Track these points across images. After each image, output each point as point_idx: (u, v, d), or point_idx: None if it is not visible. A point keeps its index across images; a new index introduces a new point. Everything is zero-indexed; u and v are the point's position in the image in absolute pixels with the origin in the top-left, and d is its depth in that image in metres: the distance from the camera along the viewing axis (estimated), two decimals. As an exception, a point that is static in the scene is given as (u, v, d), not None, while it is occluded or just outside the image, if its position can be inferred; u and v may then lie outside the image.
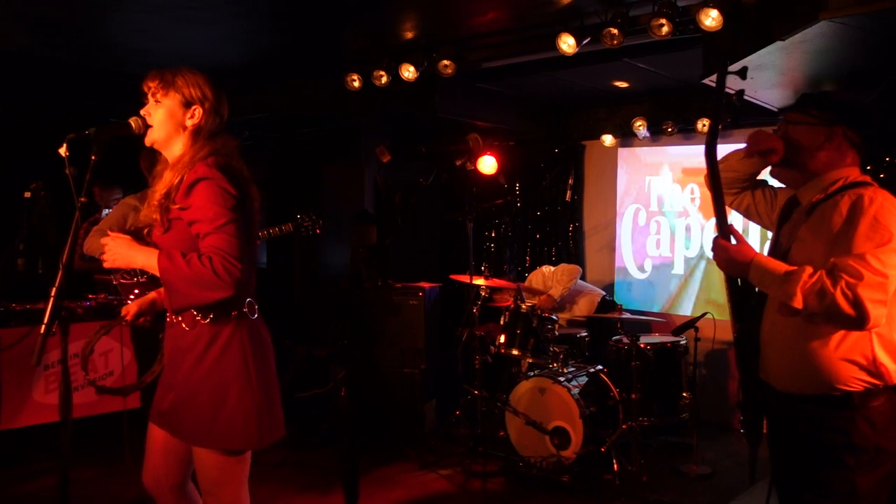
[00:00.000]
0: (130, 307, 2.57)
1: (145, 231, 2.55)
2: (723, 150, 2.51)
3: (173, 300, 2.31)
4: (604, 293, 6.28)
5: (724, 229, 2.31)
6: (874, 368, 2.15)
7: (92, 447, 5.10)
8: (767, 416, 2.39)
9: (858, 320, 2.05)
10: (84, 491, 4.39)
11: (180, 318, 2.42)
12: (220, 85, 2.50)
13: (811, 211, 2.30)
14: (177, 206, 2.34)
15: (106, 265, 2.47)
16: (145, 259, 2.37)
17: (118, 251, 2.42)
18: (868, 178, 2.31)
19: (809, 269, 2.10)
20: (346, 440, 2.55)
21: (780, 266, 2.18)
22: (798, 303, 2.09)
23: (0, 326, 3.81)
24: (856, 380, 2.15)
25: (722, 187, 2.36)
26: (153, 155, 2.62)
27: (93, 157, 2.23)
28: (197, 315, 2.38)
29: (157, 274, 2.34)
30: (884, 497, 2.18)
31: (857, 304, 2.03)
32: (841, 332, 2.17)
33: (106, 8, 4.44)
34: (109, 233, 2.48)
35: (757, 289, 2.32)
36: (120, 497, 4.38)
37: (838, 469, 2.15)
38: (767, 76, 4.37)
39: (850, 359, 2.16)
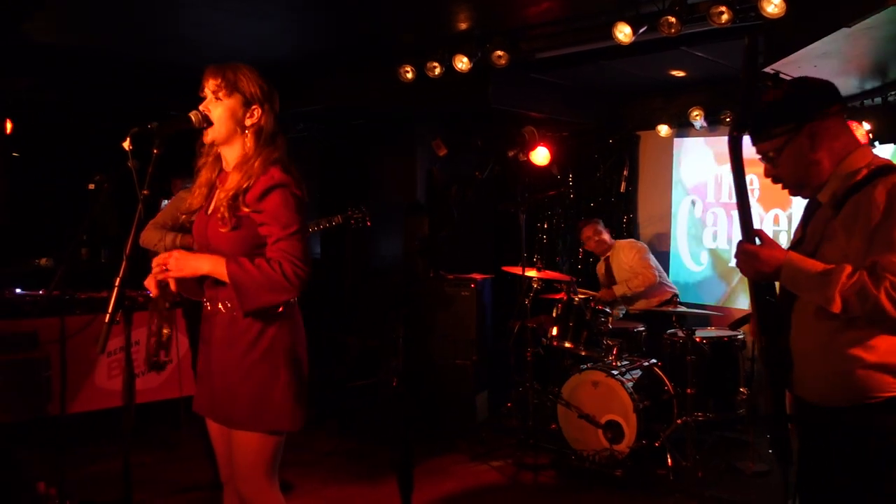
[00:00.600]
0: (149, 282, 2.48)
1: (183, 217, 2.59)
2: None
3: (245, 303, 2.36)
4: (675, 291, 6.10)
5: (749, 232, 2.13)
6: None
7: (152, 432, 5.25)
8: (799, 431, 2.20)
9: None
10: (144, 475, 4.51)
11: (230, 306, 2.45)
12: (273, 78, 2.53)
13: (840, 204, 2.08)
14: (249, 209, 2.39)
15: (173, 275, 2.41)
16: (212, 266, 2.39)
17: (182, 263, 2.41)
18: (892, 163, 2.11)
19: (848, 269, 1.94)
20: (400, 431, 2.55)
21: (816, 266, 2.01)
22: (836, 307, 1.94)
23: (66, 314, 3.94)
24: None
25: (746, 186, 2.17)
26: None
27: (154, 151, 2.28)
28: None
29: (224, 279, 2.36)
30: None
31: None
32: (878, 337, 2.00)
33: (166, 4, 4.53)
34: (162, 254, 2.44)
35: (779, 294, 2.17)
36: (178, 482, 4.49)
37: (880, 480, 2.00)
38: (832, 64, 4.24)
39: (890, 363, 1.99)
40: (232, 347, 2.45)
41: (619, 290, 5.90)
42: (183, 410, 5.35)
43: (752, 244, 2.13)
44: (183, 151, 2.59)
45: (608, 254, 6.20)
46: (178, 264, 2.40)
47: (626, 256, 6.08)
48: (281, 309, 2.45)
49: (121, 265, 2.17)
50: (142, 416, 5.14)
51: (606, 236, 6.24)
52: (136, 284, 2.37)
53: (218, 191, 2.49)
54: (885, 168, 2.07)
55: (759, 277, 2.14)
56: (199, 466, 4.36)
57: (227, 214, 2.39)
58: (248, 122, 2.46)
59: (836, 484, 2.09)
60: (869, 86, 5.03)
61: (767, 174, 2.23)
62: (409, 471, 2.12)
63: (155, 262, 2.43)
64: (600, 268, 6.33)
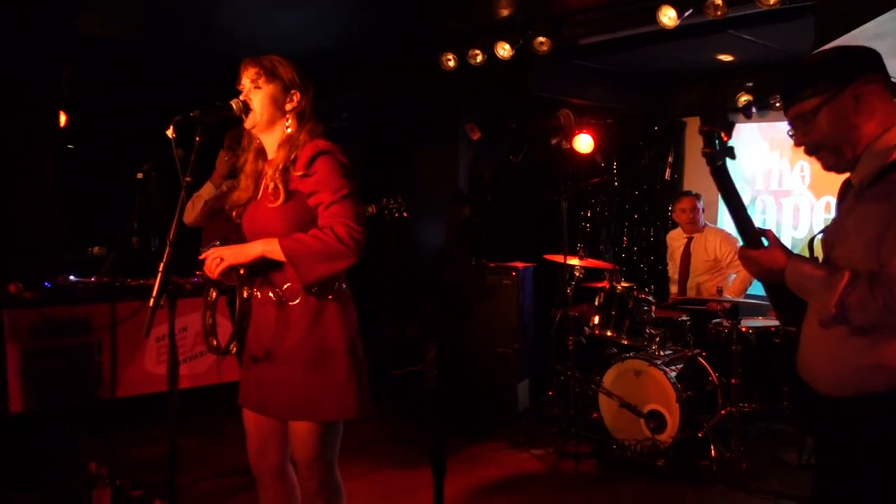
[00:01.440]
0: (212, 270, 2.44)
1: (234, 214, 2.58)
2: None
3: (305, 275, 2.33)
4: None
5: (749, 238, 2.04)
6: None
7: (196, 417, 5.36)
8: (813, 420, 2.08)
9: None
10: (189, 457, 4.62)
11: (282, 292, 2.43)
12: (315, 68, 2.55)
13: (864, 191, 1.90)
14: (298, 175, 2.38)
15: (229, 263, 2.38)
16: (264, 246, 2.37)
17: (233, 251, 2.39)
18: None
19: (847, 276, 1.78)
20: (435, 417, 2.57)
21: (817, 270, 1.88)
22: (834, 318, 1.81)
23: (116, 300, 4.04)
24: None
25: (739, 198, 2.07)
26: (239, 135, 2.68)
27: (197, 139, 2.31)
28: (302, 289, 2.41)
29: (280, 258, 2.34)
30: None
31: None
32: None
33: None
34: (212, 248, 2.44)
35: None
36: (221, 465, 4.59)
37: None
38: (886, 45, 4.09)
39: None
40: (286, 337, 2.43)
41: (733, 291, 5.60)
42: (224, 396, 5.46)
43: (752, 249, 2.04)
44: (225, 140, 2.62)
45: (693, 235, 5.93)
46: (231, 252, 2.39)
47: (716, 247, 5.79)
48: (336, 286, 2.44)
49: (164, 251, 2.21)
50: (186, 400, 5.25)
51: (702, 216, 5.96)
52: (181, 271, 2.41)
53: (265, 174, 2.50)
54: None
55: (768, 280, 2.06)
56: (240, 451, 4.43)
57: (279, 186, 2.39)
58: (288, 107, 2.48)
59: (861, 475, 1.92)
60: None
61: (798, 142, 2.06)
62: (440, 456, 2.14)
63: (207, 257, 2.41)
64: (678, 245, 6.00)
